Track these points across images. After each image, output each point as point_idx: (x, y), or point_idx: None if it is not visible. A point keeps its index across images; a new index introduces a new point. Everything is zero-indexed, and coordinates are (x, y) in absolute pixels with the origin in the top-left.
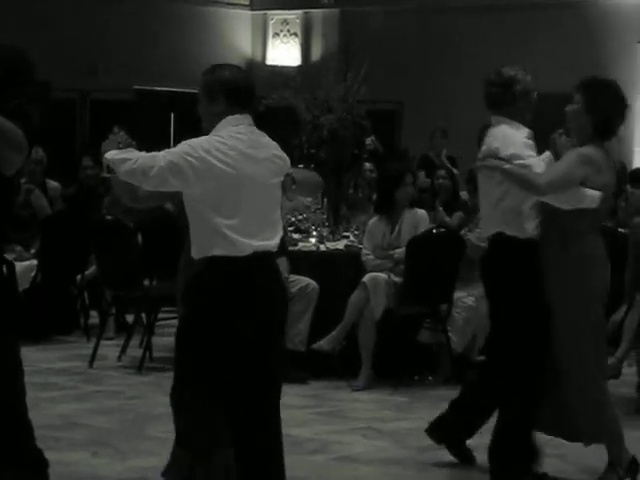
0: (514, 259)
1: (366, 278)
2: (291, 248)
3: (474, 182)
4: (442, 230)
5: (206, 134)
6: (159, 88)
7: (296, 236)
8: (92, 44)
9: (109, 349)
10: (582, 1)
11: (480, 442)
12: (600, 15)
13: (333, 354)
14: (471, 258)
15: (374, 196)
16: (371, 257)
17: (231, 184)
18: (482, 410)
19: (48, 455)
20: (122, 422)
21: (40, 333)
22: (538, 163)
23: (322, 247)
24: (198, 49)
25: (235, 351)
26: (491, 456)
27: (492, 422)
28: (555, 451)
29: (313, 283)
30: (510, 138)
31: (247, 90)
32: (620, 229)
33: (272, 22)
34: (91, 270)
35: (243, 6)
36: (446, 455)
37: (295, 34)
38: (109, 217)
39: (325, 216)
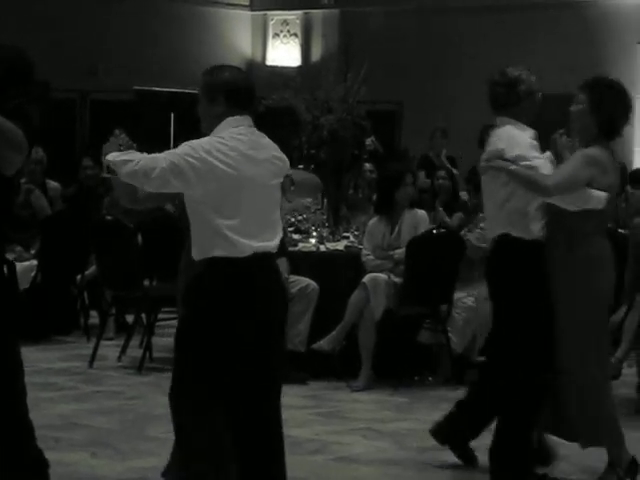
0: (520, 260)
1: (366, 278)
2: (291, 249)
3: (474, 182)
4: (442, 231)
5: (205, 135)
6: (159, 88)
7: (296, 237)
8: (92, 44)
9: (109, 349)
10: (582, 1)
11: (481, 443)
12: (600, 15)
13: (333, 354)
14: (471, 259)
15: (374, 196)
16: (371, 257)
17: (232, 185)
18: (487, 411)
19: (48, 455)
20: (122, 422)
21: (40, 333)
22: (544, 164)
23: (322, 248)
24: (198, 49)
25: (235, 352)
26: (492, 456)
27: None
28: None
29: (313, 284)
30: (516, 139)
31: (247, 91)
32: (620, 230)
33: (272, 22)
34: (91, 270)
35: (243, 6)
36: (446, 456)
37: (295, 34)
38: (109, 217)
39: (325, 217)
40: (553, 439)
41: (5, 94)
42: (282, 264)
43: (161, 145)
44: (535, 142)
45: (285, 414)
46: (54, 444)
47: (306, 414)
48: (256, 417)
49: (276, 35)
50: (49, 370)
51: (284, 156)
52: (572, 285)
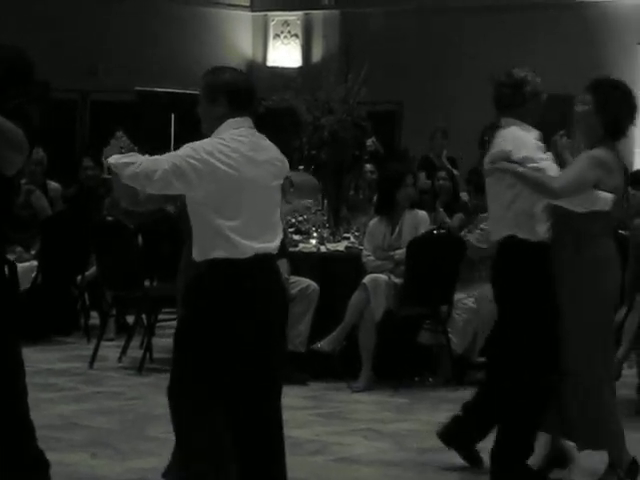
0: (526, 262)
1: (366, 279)
2: (292, 249)
3: (474, 183)
4: (442, 231)
5: (205, 137)
6: (159, 89)
7: (297, 237)
8: (92, 44)
9: (109, 350)
10: (582, 2)
11: (486, 444)
12: (600, 16)
13: (333, 355)
14: (471, 259)
15: (375, 197)
16: (371, 258)
17: (233, 186)
18: (494, 412)
19: (48, 456)
20: (122, 423)
21: (40, 334)
22: (551, 166)
23: (322, 248)
24: (199, 50)
25: (235, 352)
26: (493, 457)
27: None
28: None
29: (313, 284)
30: (522, 140)
31: (248, 92)
32: (620, 231)
33: (273, 23)
34: (91, 271)
35: (244, 7)
36: (446, 456)
37: (296, 35)
38: (109, 218)
39: (325, 217)
40: (569, 442)
41: (5, 94)
42: (283, 265)
43: (162, 145)
44: (541, 143)
45: (285, 415)
46: (54, 444)
47: (306, 415)
48: (256, 418)
49: (277, 36)
50: (49, 371)
51: (284, 158)
52: (579, 287)
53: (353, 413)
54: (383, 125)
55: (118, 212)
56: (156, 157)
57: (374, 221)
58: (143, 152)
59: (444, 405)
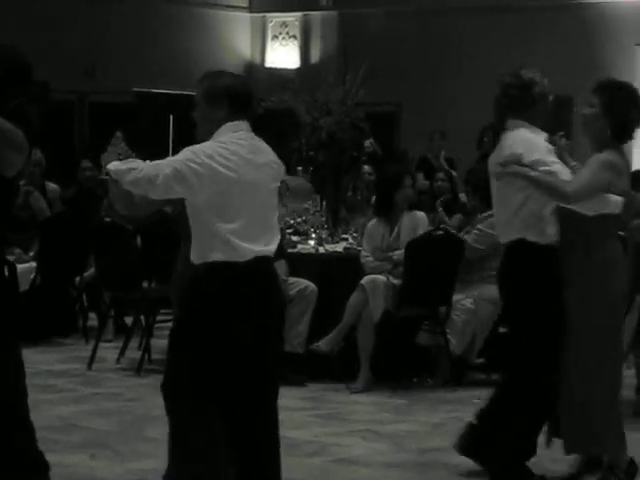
0: (535, 265)
1: (365, 280)
2: (290, 250)
3: (472, 184)
4: (440, 232)
5: (201, 140)
6: (158, 90)
7: (295, 238)
8: (91, 45)
9: (108, 351)
10: (580, 3)
11: None
12: (598, 17)
13: (331, 356)
14: (470, 260)
15: (373, 198)
16: (370, 259)
17: (234, 189)
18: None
19: (47, 457)
20: (121, 424)
21: (39, 335)
22: (563, 170)
23: (321, 249)
24: (197, 51)
25: (233, 355)
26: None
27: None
28: (555, 452)
29: (312, 285)
30: (533, 143)
31: (247, 96)
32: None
33: (271, 24)
34: (90, 272)
35: (242, 8)
36: (446, 457)
37: (294, 36)
38: (108, 219)
39: (324, 218)
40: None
41: (5, 94)
42: (281, 266)
43: (160, 146)
44: (551, 146)
45: (284, 416)
46: (53, 446)
47: (305, 416)
48: (253, 419)
49: (275, 37)
50: (48, 372)
51: (280, 161)
52: (588, 289)
53: (351, 414)
54: (381, 126)
55: (116, 213)
56: (157, 162)
57: (372, 222)
58: (141, 154)
59: (443, 406)
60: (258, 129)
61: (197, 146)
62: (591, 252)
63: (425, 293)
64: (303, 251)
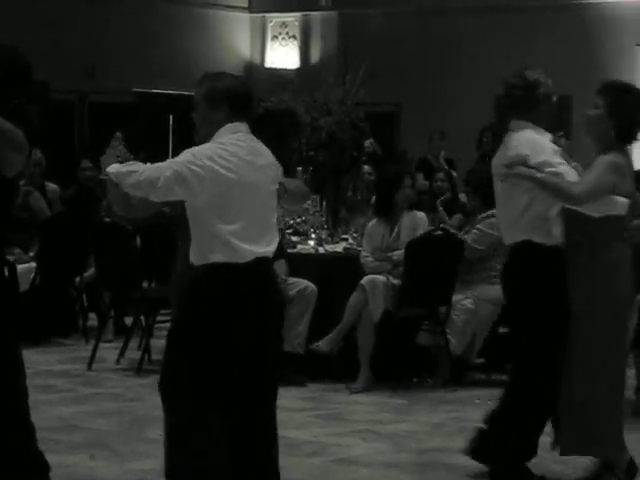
0: (541, 267)
1: (365, 280)
2: (290, 250)
3: (472, 184)
4: (440, 233)
5: (200, 142)
6: (158, 90)
7: (295, 239)
8: (91, 45)
9: (108, 351)
10: (580, 3)
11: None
12: (598, 17)
13: (331, 355)
14: (469, 260)
15: (373, 198)
16: (370, 259)
17: (234, 190)
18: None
19: (47, 457)
20: (121, 424)
21: (39, 335)
22: (569, 171)
23: (321, 250)
24: (197, 51)
25: (232, 356)
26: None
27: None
28: (553, 453)
29: (312, 285)
30: (540, 144)
31: (247, 98)
32: None
33: (271, 25)
34: (90, 272)
35: (242, 9)
36: (445, 457)
37: (294, 37)
38: (108, 219)
39: (324, 219)
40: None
41: (5, 94)
42: (281, 266)
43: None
44: (557, 147)
45: (283, 416)
46: (53, 446)
47: (305, 416)
48: (252, 420)
49: (275, 37)
50: (48, 372)
51: (278, 163)
52: (594, 290)
53: (351, 414)
54: (381, 126)
55: (114, 214)
56: (157, 164)
57: (372, 222)
58: (141, 154)
59: (442, 406)
60: (258, 129)
61: (197, 148)
62: (597, 254)
63: (425, 293)
64: (303, 251)
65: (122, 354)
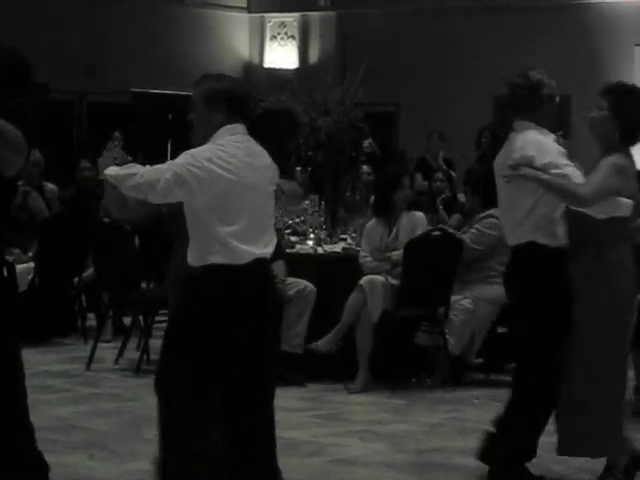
0: (546, 268)
1: (363, 280)
2: (288, 251)
3: (471, 184)
4: (439, 233)
5: (197, 143)
6: (156, 90)
7: (293, 239)
8: (91, 45)
9: (106, 351)
10: (580, 3)
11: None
12: (598, 17)
13: (329, 356)
14: (468, 260)
15: (371, 199)
16: (368, 259)
17: (233, 192)
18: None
19: (46, 457)
20: (119, 424)
21: (38, 335)
22: (575, 172)
23: (319, 250)
24: (196, 51)
25: (231, 357)
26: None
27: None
28: (553, 453)
29: (310, 286)
30: (545, 145)
31: (245, 99)
32: None
33: (270, 25)
34: (88, 272)
35: (241, 9)
36: (444, 458)
37: (292, 37)
38: (106, 219)
39: (323, 219)
40: None
41: (5, 94)
42: (279, 266)
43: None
44: (562, 148)
45: (282, 416)
46: (51, 446)
47: (303, 416)
48: (251, 420)
49: (273, 37)
50: (47, 372)
51: (274, 164)
52: (597, 292)
53: (350, 414)
54: (380, 126)
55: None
56: (156, 167)
57: (371, 222)
58: (139, 155)
59: (441, 406)
60: (257, 129)
61: (196, 150)
62: (601, 255)
63: (424, 293)
64: (302, 251)
65: (121, 354)
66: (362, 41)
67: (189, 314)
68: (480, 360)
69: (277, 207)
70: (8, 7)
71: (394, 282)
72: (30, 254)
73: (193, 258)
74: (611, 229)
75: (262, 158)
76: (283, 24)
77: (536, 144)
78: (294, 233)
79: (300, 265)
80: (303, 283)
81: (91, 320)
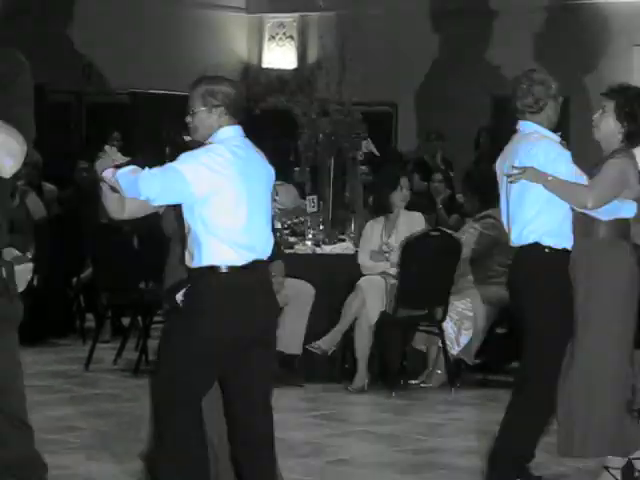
0: (550, 269)
1: (362, 281)
2: (287, 251)
3: (470, 184)
4: (437, 233)
5: (194, 145)
6: (154, 91)
7: (292, 239)
8: (88, 45)
9: (105, 352)
10: (579, 3)
11: (481, 445)
12: (597, 17)
13: (328, 356)
14: (465, 260)
15: (370, 199)
16: (367, 260)
17: (233, 194)
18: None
19: (44, 458)
20: (118, 425)
21: (36, 336)
22: (581, 175)
23: (318, 250)
24: (194, 52)
25: (229, 358)
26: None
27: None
28: (553, 454)
29: (309, 286)
30: (553, 148)
31: (242, 101)
32: None
33: (268, 25)
34: (87, 273)
35: (239, 9)
36: (443, 458)
37: (291, 37)
38: (105, 220)
39: (321, 219)
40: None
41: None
42: (278, 267)
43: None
44: (567, 150)
45: (281, 417)
46: (51, 447)
47: (302, 417)
48: (249, 420)
49: (272, 37)
50: (45, 373)
51: (271, 166)
52: (599, 293)
53: (349, 415)
54: (378, 127)
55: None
56: (156, 169)
57: (369, 223)
58: (138, 157)
59: (440, 407)
60: (255, 130)
61: (195, 151)
62: (604, 256)
63: (422, 294)
64: (300, 252)
65: (119, 355)
66: (361, 41)
67: (187, 314)
68: (479, 361)
69: (273, 208)
70: (8, 6)
71: (392, 283)
72: (29, 255)
73: (191, 258)
74: (615, 230)
75: (259, 159)
76: (282, 24)
77: (543, 147)
78: (293, 233)
79: (298, 265)
80: (301, 283)
81: (90, 321)
